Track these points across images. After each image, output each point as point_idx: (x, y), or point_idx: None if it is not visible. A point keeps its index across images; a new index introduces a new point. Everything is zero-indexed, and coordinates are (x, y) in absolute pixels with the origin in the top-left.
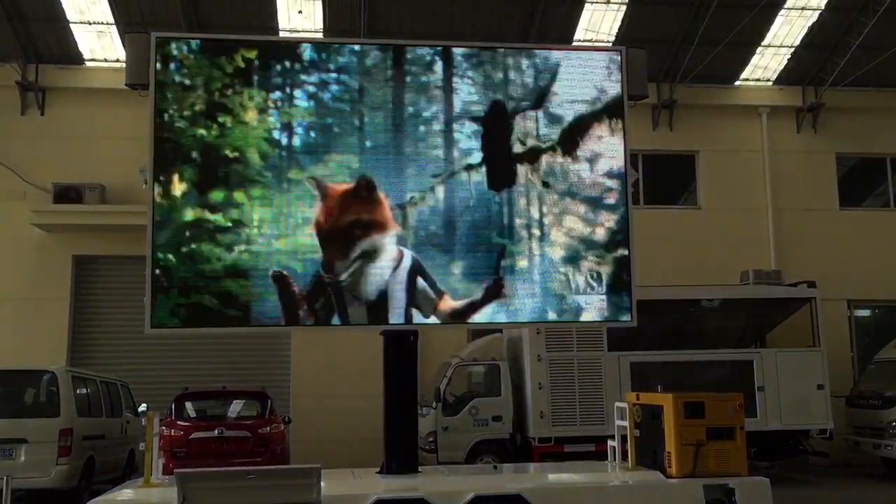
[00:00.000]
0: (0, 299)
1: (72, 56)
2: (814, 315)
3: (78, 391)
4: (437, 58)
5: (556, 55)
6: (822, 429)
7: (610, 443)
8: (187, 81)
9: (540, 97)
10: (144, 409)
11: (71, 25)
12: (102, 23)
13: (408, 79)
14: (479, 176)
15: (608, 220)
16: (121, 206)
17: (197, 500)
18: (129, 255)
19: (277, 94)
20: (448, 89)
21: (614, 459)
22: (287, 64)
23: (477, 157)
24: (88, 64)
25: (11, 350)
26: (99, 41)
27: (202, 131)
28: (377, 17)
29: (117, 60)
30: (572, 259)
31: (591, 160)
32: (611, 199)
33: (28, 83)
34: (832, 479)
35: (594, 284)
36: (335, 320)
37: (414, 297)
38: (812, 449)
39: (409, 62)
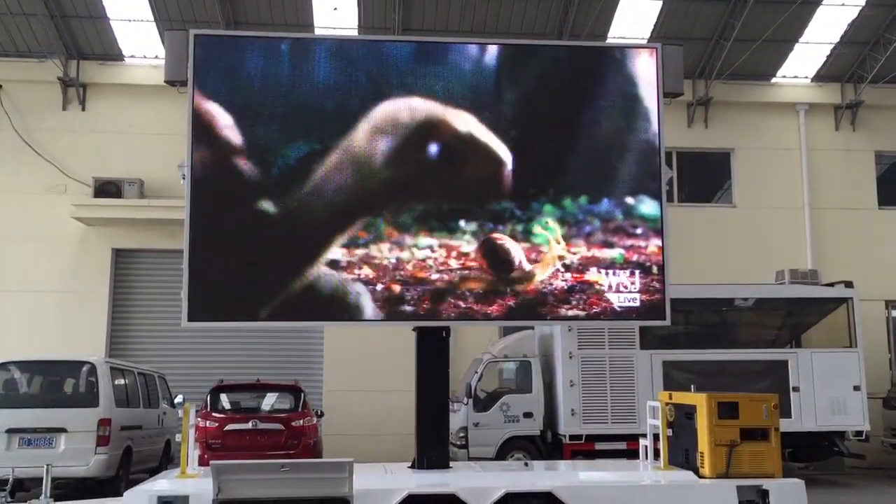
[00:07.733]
0: (41, 291)
1: (112, 52)
2: (850, 315)
3: (116, 382)
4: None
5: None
6: (857, 430)
7: (642, 441)
8: None
9: (574, 95)
10: (180, 400)
11: (111, 22)
12: (142, 20)
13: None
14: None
15: (642, 218)
16: (159, 200)
17: (231, 491)
18: (167, 249)
19: None
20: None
21: (646, 458)
22: None
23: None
24: (128, 60)
25: (52, 341)
26: (139, 38)
27: None
28: (411, 13)
29: (156, 57)
30: (606, 256)
31: (626, 157)
32: (645, 197)
33: (70, 79)
34: (868, 482)
35: (627, 282)
36: (369, 316)
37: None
38: (848, 451)
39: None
